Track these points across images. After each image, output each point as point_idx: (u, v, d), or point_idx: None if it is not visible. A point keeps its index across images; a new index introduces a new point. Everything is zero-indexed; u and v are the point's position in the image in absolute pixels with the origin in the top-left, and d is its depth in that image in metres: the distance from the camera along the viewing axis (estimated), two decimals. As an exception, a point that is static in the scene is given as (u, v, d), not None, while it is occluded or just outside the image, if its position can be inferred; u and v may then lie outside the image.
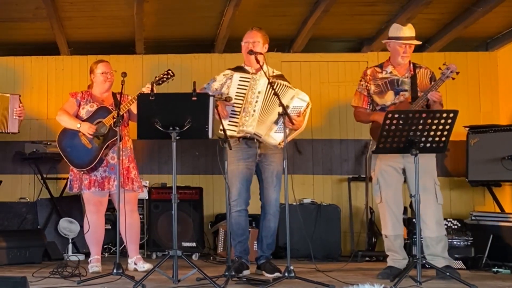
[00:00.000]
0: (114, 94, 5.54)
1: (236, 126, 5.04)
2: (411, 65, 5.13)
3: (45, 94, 7.51)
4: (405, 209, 5.78)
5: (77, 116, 5.47)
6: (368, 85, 5.19)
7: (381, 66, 5.21)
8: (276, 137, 5.03)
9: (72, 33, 7.20)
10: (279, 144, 5.03)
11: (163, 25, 7.06)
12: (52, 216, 6.80)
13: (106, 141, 5.30)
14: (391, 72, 5.13)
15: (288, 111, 4.80)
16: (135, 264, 5.43)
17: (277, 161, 5.19)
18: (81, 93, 5.58)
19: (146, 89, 5.13)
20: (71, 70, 7.55)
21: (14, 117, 5.47)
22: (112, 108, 5.36)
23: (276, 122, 4.99)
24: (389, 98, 5.09)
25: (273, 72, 5.25)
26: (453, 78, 4.94)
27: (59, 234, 6.57)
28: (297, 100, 5.05)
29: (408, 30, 5.06)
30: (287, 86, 5.05)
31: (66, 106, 5.57)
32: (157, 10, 6.57)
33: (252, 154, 5.17)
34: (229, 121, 5.02)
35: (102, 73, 5.50)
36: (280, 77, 5.30)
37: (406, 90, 5.06)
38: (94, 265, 5.34)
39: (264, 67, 5.03)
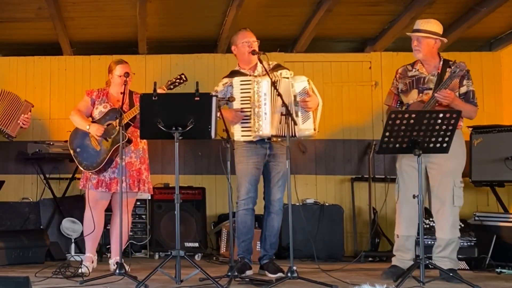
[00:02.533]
0: (131, 93, 5.47)
1: (250, 131, 5.06)
2: (441, 62, 5.00)
3: (47, 94, 7.51)
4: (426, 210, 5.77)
5: (91, 116, 5.47)
6: (398, 83, 5.13)
7: (413, 64, 5.11)
8: (306, 126, 5.02)
9: (75, 33, 7.20)
10: (315, 130, 5.09)
11: (166, 25, 7.05)
12: (55, 216, 6.80)
13: (115, 144, 5.25)
14: (418, 70, 5.04)
15: (298, 98, 4.91)
16: (115, 265, 5.38)
17: (284, 161, 5.18)
18: (97, 92, 5.54)
19: (161, 91, 5.11)
20: (74, 70, 7.55)
21: (18, 122, 5.50)
22: (120, 106, 5.32)
23: (297, 115, 4.99)
24: (412, 96, 5.00)
25: (269, 64, 5.22)
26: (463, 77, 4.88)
27: (62, 234, 6.57)
28: (298, 85, 5.05)
29: (423, 23, 4.96)
30: (281, 79, 5.03)
31: (80, 105, 5.55)
32: (160, 10, 6.57)
33: (262, 154, 5.18)
34: (242, 127, 5.05)
35: (120, 76, 5.42)
36: (278, 66, 5.29)
37: (430, 89, 4.93)
38: (85, 264, 5.21)
39: (259, 66, 5.13)
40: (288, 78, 5.09)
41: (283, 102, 4.68)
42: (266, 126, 4.99)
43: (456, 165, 4.91)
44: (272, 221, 5.24)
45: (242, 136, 5.08)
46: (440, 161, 4.77)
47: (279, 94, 4.75)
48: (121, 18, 6.77)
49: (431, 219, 5.86)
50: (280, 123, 4.98)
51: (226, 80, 5.30)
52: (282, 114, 4.73)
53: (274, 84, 4.85)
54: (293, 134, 5.01)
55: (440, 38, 4.99)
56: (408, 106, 5.01)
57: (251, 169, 5.16)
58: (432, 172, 4.91)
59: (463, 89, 4.94)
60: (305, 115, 5.03)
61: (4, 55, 7.66)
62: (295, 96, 4.97)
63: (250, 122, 5.06)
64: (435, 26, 4.99)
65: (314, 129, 5.12)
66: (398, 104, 5.16)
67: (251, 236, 5.27)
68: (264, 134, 5.01)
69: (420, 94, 4.97)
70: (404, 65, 5.20)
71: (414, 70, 5.07)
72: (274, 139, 5.11)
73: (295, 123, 4.77)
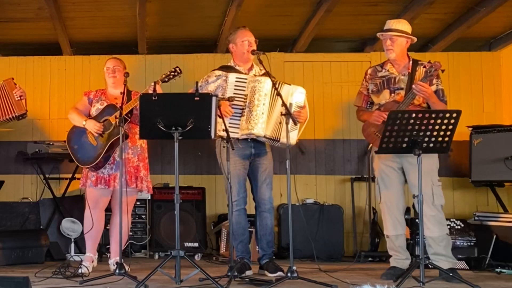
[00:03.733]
0: (129, 93, 5.46)
1: (237, 127, 5.04)
2: (410, 62, 5.03)
3: (47, 94, 7.51)
4: (408, 209, 5.75)
5: (88, 115, 5.48)
6: (368, 84, 5.17)
7: (382, 64, 5.17)
8: (290, 136, 5.01)
9: (75, 33, 7.20)
10: (296, 141, 5.09)
11: (165, 25, 7.05)
12: (55, 216, 6.80)
13: (111, 139, 5.27)
14: (388, 70, 5.08)
15: (292, 108, 4.86)
16: (115, 265, 5.37)
17: (269, 159, 5.26)
18: (95, 92, 5.59)
19: (158, 89, 5.08)
20: (74, 70, 7.55)
21: (17, 99, 5.56)
22: (120, 106, 5.33)
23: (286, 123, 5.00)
24: (384, 96, 5.04)
25: (260, 70, 5.22)
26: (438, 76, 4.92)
27: (62, 234, 6.56)
28: (296, 95, 5.06)
29: (394, 23, 5.02)
30: (282, 83, 5.04)
31: (78, 104, 5.62)
32: (160, 10, 6.57)
33: (247, 154, 5.19)
34: (230, 123, 5.02)
35: (106, 68, 5.53)
36: (267, 73, 5.27)
37: (402, 89, 4.97)
38: (85, 264, 5.21)
39: (256, 67, 5.14)
40: (290, 85, 5.08)
41: (282, 102, 4.68)
42: (261, 125, 4.99)
43: (431, 164, 4.91)
44: (265, 220, 5.24)
45: (229, 132, 5.02)
46: (415, 161, 4.73)
47: (279, 94, 4.75)
48: (120, 18, 6.77)
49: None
50: (279, 123, 4.97)
51: (219, 72, 5.27)
52: (282, 114, 4.72)
53: (275, 85, 4.84)
54: (278, 139, 5.03)
55: (412, 37, 5.04)
56: (380, 107, 5.03)
57: (239, 169, 5.16)
58: (409, 172, 4.92)
59: (433, 88, 4.92)
60: (292, 126, 4.99)
61: (4, 55, 7.66)
62: (290, 104, 4.91)
63: (239, 120, 5.06)
64: (406, 26, 5.05)
65: (296, 141, 5.11)
66: (368, 104, 5.20)
67: (247, 235, 5.28)
68: (257, 133, 5.01)
69: (392, 94, 5.01)
70: (372, 65, 5.28)
71: (384, 70, 5.12)
72: (266, 140, 5.11)
73: (295, 123, 4.77)
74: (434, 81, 4.95)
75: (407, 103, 4.83)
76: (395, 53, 5.02)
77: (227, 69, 5.27)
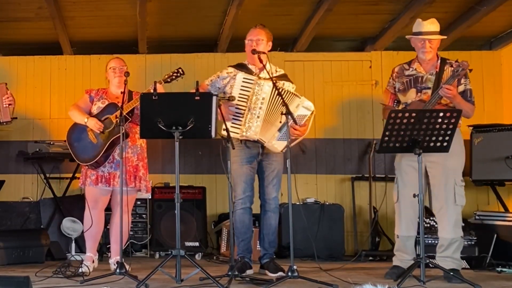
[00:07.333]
0: (130, 93, 5.47)
1: (239, 128, 5.05)
2: (439, 61, 4.97)
3: (48, 94, 7.51)
4: (426, 208, 5.73)
5: (89, 113, 5.48)
6: (394, 82, 5.11)
7: (409, 63, 5.09)
8: (278, 145, 5.05)
9: (75, 33, 7.20)
10: (281, 151, 5.06)
11: (166, 25, 7.05)
12: (55, 215, 6.79)
13: (111, 137, 5.28)
14: (416, 69, 5.02)
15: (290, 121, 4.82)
16: (115, 265, 5.37)
17: (278, 160, 5.22)
18: (96, 90, 5.59)
19: (159, 88, 5.07)
20: (74, 70, 7.55)
21: (4, 105, 5.51)
22: (121, 105, 5.32)
23: (279, 130, 5.00)
24: (411, 96, 4.98)
25: (276, 71, 5.23)
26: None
27: (62, 233, 6.56)
28: (302, 109, 5.05)
29: (428, 25, 4.92)
30: (293, 94, 5.03)
31: (79, 101, 5.62)
32: (160, 10, 6.57)
33: (254, 154, 5.18)
34: (232, 123, 5.03)
35: (110, 67, 5.52)
36: (284, 76, 5.30)
37: (429, 88, 4.91)
38: (85, 264, 5.22)
39: (268, 67, 5.04)
40: (300, 98, 5.04)
41: (283, 101, 4.67)
42: (255, 129, 5.00)
43: (456, 164, 4.89)
44: (269, 220, 5.25)
45: (231, 132, 5.03)
46: (440, 159, 4.76)
47: (279, 94, 4.74)
48: (121, 17, 6.78)
49: (431, 218, 5.86)
50: (270, 131, 4.97)
51: (231, 69, 5.29)
52: (282, 113, 4.72)
53: (277, 89, 4.83)
54: (263, 142, 5.04)
55: (443, 37, 5.01)
56: (406, 105, 5.00)
57: (246, 168, 5.17)
58: (432, 171, 4.90)
59: (461, 88, 4.91)
60: (284, 136, 4.97)
61: (4, 54, 7.67)
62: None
63: (240, 120, 5.06)
64: (438, 25, 4.98)
65: (281, 151, 5.08)
66: (395, 103, 5.15)
67: (250, 235, 5.27)
68: (250, 136, 5.03)
69: (419, 94, 4.96)
70: (400, 64, 5.19)
71: (411, 69, 5.05)
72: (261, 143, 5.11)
73: (295, 122, 4.77)
74: (463, 80, 4.89)
75: (433, 103, 4.78)
76: (433, 54, 4.95)
77: (239, 67, 5.28)
